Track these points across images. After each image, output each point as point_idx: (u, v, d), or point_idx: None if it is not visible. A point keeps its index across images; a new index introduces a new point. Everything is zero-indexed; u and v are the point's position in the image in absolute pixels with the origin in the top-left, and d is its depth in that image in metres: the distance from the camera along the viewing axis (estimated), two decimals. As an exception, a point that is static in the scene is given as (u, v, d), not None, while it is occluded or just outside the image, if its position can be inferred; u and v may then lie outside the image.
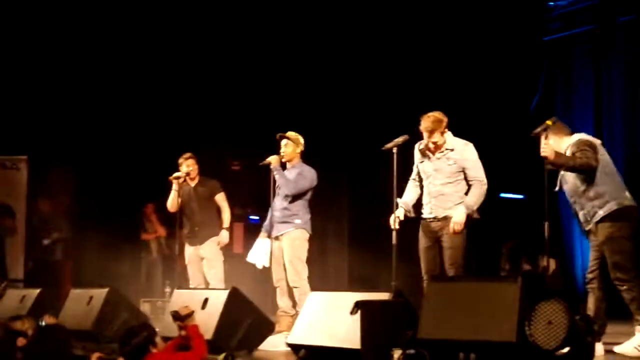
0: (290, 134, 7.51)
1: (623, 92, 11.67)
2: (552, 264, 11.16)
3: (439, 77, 11.58)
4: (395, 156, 6.34)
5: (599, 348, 5.52)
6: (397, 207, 6.31)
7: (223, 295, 6.24)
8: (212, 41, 11.86)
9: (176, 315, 5.41)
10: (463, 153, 6.29)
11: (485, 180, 6.30)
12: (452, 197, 6.27)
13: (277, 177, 7.31)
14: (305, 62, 11.89)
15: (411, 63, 11.65)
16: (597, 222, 5.85)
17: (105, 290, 7.22)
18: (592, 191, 5.87)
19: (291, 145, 7.45)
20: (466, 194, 6.28)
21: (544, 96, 12.33)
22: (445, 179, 6.29)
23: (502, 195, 12.79)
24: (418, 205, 6.52)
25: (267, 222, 7.47)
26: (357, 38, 11.77)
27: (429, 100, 6.86)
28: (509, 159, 11.94)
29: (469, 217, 6.20)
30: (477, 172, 6.29)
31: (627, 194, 5.99)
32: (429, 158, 6.39)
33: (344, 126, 11.41)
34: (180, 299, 6.44)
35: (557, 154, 5.82)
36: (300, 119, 11.21)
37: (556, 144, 5.97)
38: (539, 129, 5.88)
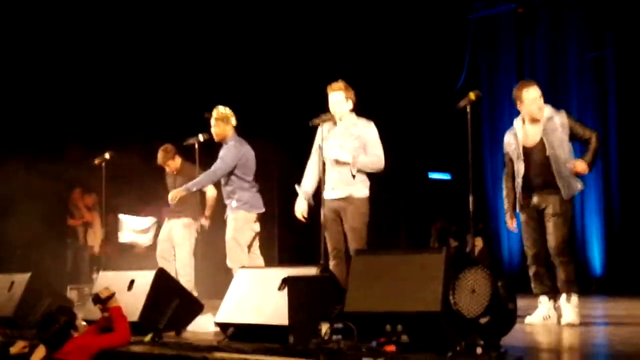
0: (218, 112, 7.36)
1: (545, 70, 11.95)
2: (480, 242, 11.39)
3: (365, 55, 11.62)
4: (321, 132, 6.39)
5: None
6: (300, 195, 6.47)
7: (149, 276, 6.12)
8: (136, 23, 11.65)
9: (96, 298, 5.30)
10: (366, 130, 6.35)
11: (382, 160, 6.34)
12: (354, 174, 6.26)
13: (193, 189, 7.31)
14: (232, 35, 11.80)
15: (336, 39, 11.66)
16: (564, 197, 6.05)
17: (27, 276, 7.01)
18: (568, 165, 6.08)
19: (221, 123, 7.31)
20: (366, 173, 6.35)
21: (470, 74, 12.50)
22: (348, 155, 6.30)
23: (430, 175, 12.97)
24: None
25: None
26: (281, 9, 11.72)
27: (354, 78, 6.87)
28: (436, 138, 12.11)
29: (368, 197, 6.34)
30: (377, 149, 6.33)
31: None
32: (333, 134, 6.37)
33: (273, 100, 11.40)
34: (106, 281, 6.31)
35: (591, 159, 6.07)
36: (230, 93, 11.14)
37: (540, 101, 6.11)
38: (462, 103, 5.92)
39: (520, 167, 6.22)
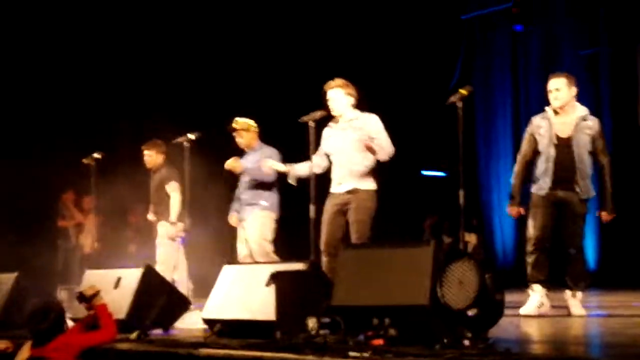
0: (238, 123, 7.39)
1: (538, 67, 11.92)
2: (473, 239, 11.34)
3: (360, 55, 11.59)
4: (311, 130, 6.33)
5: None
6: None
7: (136, 274, 6.07)
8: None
9: (81, 296, 5.22)
10: (367, 121, 6.28)
11: (391, 149, 6.27)
12: (358, 165, 6.22)
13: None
14: (221, 35, 11.76)
15: (331, 39, 11.62)
16: (586, 199, 6.24)
17: (13, 276, 6.94)
18: (590, 169, 6.28)
19: (244, 134, 7.40)
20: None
21: (463, 72, 12.47)
22: (351, 148, 6.24)
23: (424, 172, 12.93)
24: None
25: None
26: (273, 9, 11.67)
27: (349, 77, 6.86)
28: (431, 137, 12.06)
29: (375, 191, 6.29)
30: (383, 139, 6.25)
31: None
32: (335, 131, 6.36)
33: (261, 99, 11.35)
34: (92, 279, 6.24)
35: (610, 199, 6.30)
36: (217, 93, 11.10)
37: (567, 96, 6.26)
38: (453, 98, 5.89)
39: (551, 152, 6.23)
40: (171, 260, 8.18)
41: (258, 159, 7.25)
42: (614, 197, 6.30)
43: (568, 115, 6.26)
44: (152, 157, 8.42)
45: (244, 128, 7.40)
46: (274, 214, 7.34)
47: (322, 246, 6.25)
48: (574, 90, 6.28)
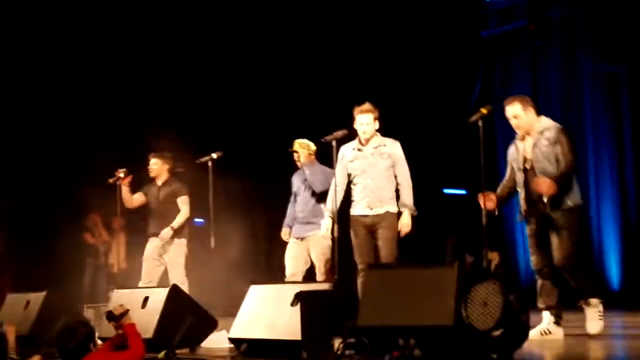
0: (297, 145, 7.46)
1: (559, 85, 11.93)
2: (496, 257, 11.34)
3: (378, 73, 11.66)
4: (334, 149, 6.48)
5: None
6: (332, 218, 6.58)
7: (163, 293, 6.17)
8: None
9: (110, 315, 5.31)
10: (394, 149, 6.62)
11: (410, 178, 6.61)
12: (387, 191, 6.54)
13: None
14: (242, 56, 11.88)
15: (349, 58, 11.71)
16: (564, 210, 5.93)
17: (42, 294, 7.07)
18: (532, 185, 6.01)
19: (304, 153, 7.44)
20: (396, 189, 6.57)
21: (484, 90, 12.50)
22: (381, 174, 6.53)
23: (445, 190, 12.94)
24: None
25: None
26: (292, 30, 11.79)
27: (368, 97, 6.97)
28: (451, 155, 12.07)
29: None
30: (406, 170, 6.62)
31: None
32: (363, 154, 6.58)
33: (281, 119, 11.45)
34: (120, 298, 6.35)
35: (557, 181, 5.82)
36: (239, 113, 11.18)
37: (527, 119, 6.08)
38: (474, 118, 5.96)
39: (519, 178, 6.18)
40: (184, 281, 7.92)
41: (314, 170, 7.32)
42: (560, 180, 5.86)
43: (533, 135, 6.11)
44: (157, 165, 8.23)
45: (304, 147, 7.47)
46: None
47: (360, 266, 6.45)
48: (531, 111, 6.10)
